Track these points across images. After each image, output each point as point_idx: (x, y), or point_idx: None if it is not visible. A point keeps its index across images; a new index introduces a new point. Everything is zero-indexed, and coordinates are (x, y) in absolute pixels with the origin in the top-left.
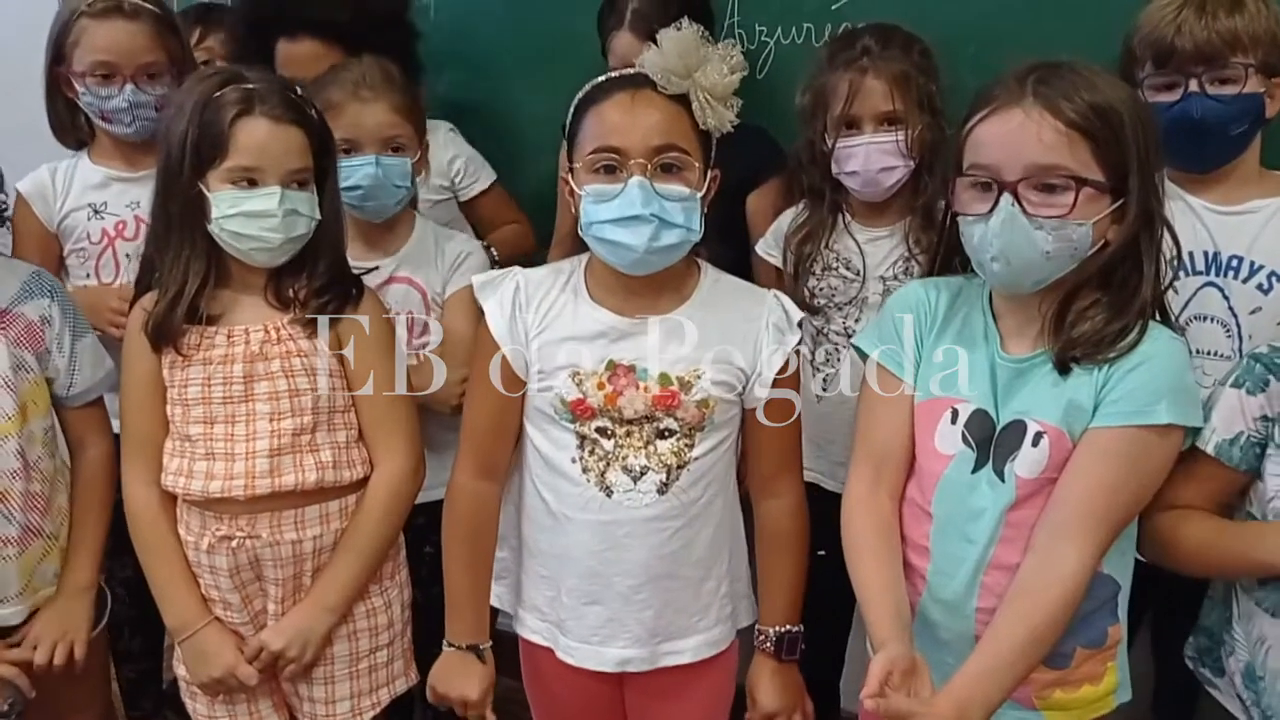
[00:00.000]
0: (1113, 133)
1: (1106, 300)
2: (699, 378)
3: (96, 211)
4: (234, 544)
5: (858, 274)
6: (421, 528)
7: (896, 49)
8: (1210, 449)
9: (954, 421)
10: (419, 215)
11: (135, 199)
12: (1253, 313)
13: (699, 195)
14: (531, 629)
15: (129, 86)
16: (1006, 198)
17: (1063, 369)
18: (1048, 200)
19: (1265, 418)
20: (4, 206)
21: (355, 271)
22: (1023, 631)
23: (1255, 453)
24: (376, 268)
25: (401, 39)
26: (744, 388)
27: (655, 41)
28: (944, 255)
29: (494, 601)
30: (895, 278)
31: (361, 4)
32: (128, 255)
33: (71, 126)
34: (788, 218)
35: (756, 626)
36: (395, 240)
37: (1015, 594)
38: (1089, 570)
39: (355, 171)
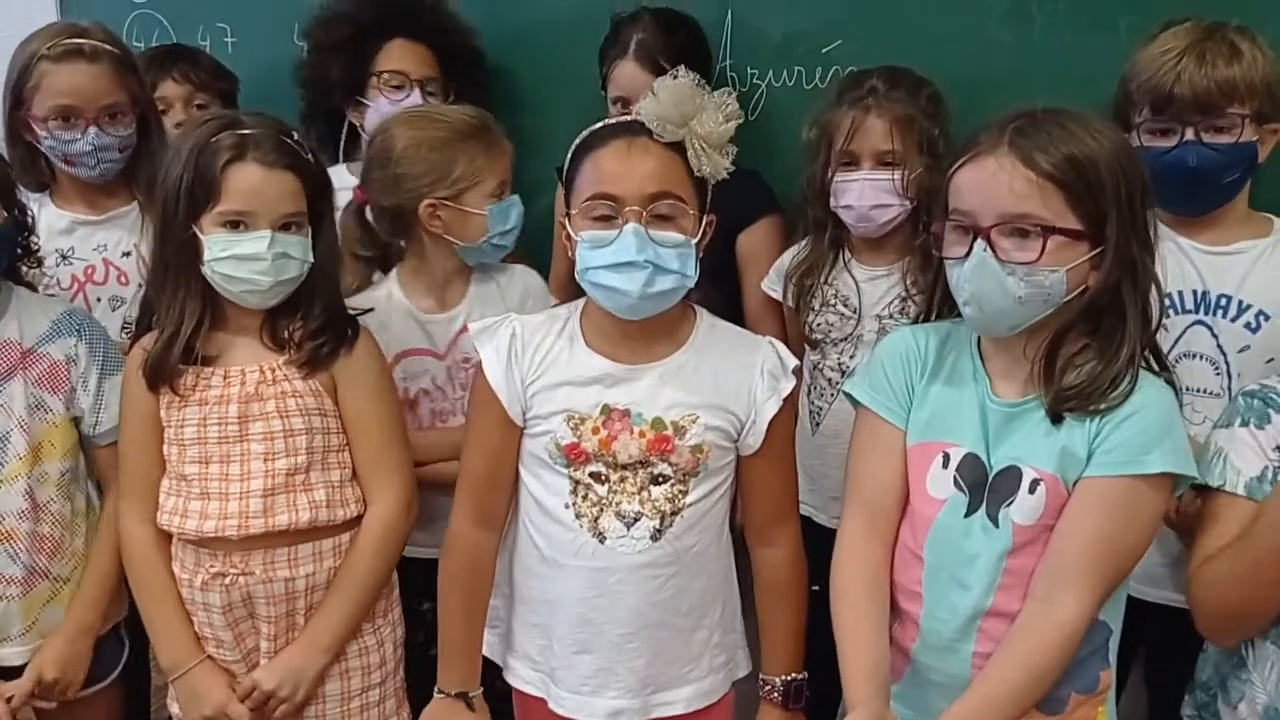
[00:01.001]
0: (1087, 183)
1: (1095, 346)
2: (693, 423)
3: (64, 257)
4: (227, 581)
5: (854, 311)
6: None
7: (903, 91)
8: (1241, 490)
9: (945, 465)
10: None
11: (102, 242)
12: (1241, 351)
13: (694, 241)
14: (524, 679)
15: (92, 129)
16: (980, 243)
17: (1056, 419)
18: (1020, 246)
19: (1279, 447)
20: (36, 247)
21: (351, 312)
22: (1017, 675)
23: None
24: (370, 310)
25: (480, 77)
26: (739, 434)
27: (658, 71)
28: (939, 299)
29: (483, 650)
30: (890, 316)
31: (465, 33)
32: (99, 299)
33: (33, 169)
34: (789, 255)
35: (761, 676)
36: (457, 286)
37: (1012, 638)
38: (1087, 619)
39: (512, 211)
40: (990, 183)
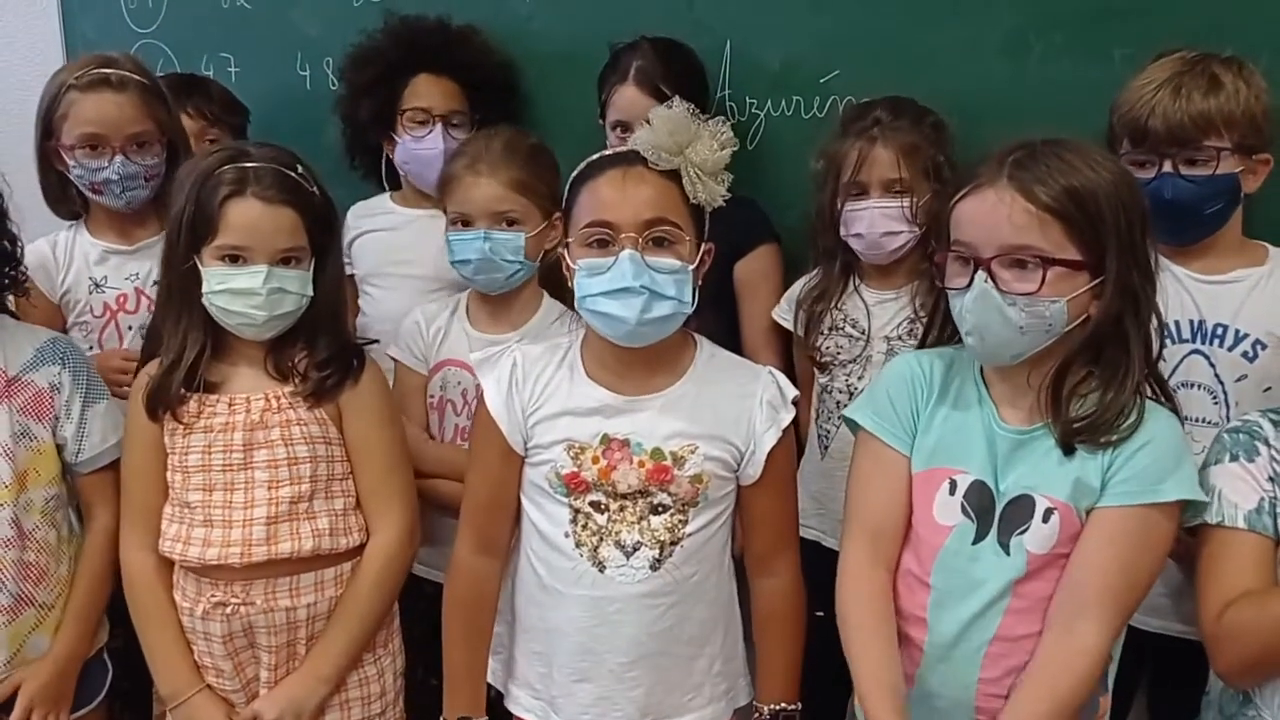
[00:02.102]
0: (1086, 215)
1: (1100, 376)
2: (692, 453)
3: (97, 285)
4: (228, 610)
5: (863, 333)
6: None
7: (907, 120)
8: (1242, 524)
9: (953, 492)
10: (547, 296)
11: (134, 271)
12: (1239, 380)
13: (691, 267)
14: (524, 706)
15: (118, 158)
16: (980, 274)
17: (1067, 450)
18: (1021, 277)
19: (1271, 478)
20: (24, 278)
21: (358, 342)
22: (1046, 708)
23: None
24: (376, 341)
25: (512, 110)
26: (738, 464)
27: (657, 95)
28: (940, 324)
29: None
30: (899, 338)
31: (495, 67)
32: (130, 327)
33: (64, 198)
34: (801, 284)
35: (754, 703)
36: (518, 315)
37: (1039, 671)
38: (1108, 647)
39: (465, 246)
40: (990, 215)
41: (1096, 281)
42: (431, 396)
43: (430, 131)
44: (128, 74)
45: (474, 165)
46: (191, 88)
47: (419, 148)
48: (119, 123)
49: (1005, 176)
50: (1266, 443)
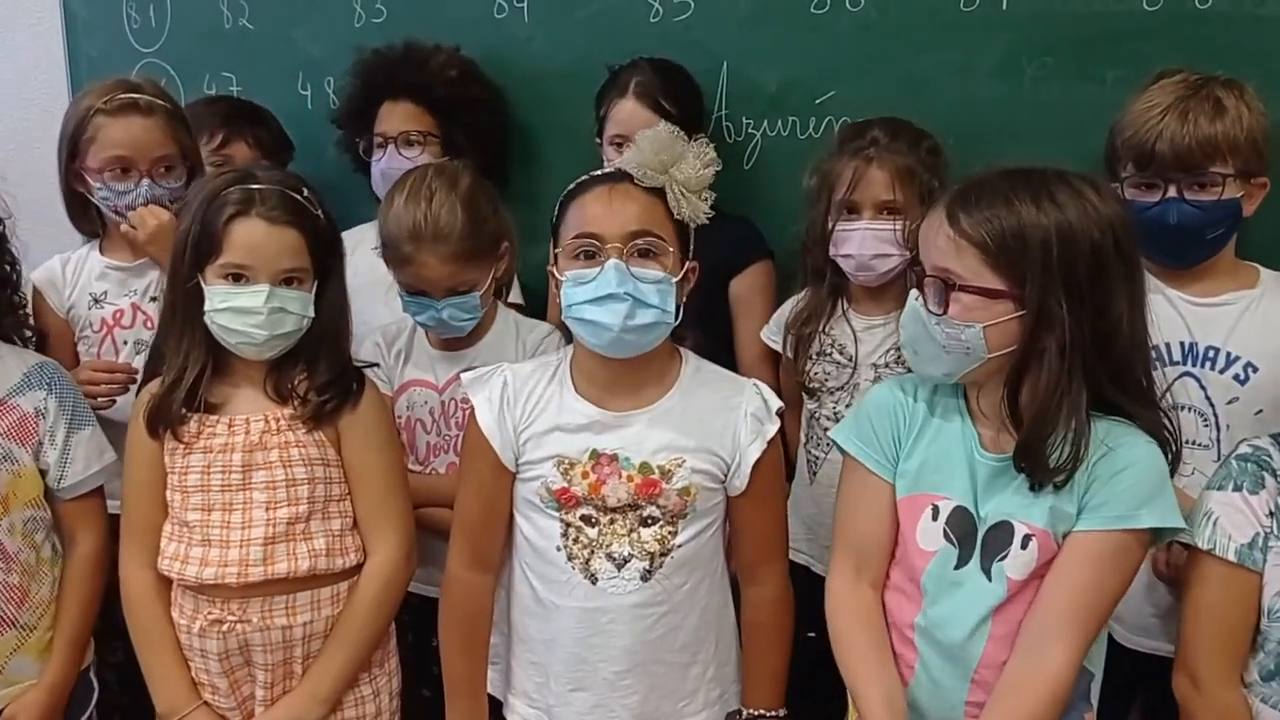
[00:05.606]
0: (1007, 250)
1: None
2: (680, 466)
3: (97, 301)
4: (224, 628)
5: (850, 360)
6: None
7: (904, 143)
8: (1232, 556)
9: (935, 518)
10: (502, 306)
11: (133, 288)
12: (1230, 403)
13: (674, 279)
14: (522, 715)
15: (145, 181)
16: (914, 291)
17: (1035, 486)
18: (937, 297)
19: (1271, 513)
20: (22, 302)
21: (357, 365)
22: None
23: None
24: (375, 365)
25: (488, 119)
26: (725, 476)
27: (657, 109)
28: None
29: (486, 687)
30: (887, 365)
31: (455, 82)
32: (125, 342)
33: (84, 218)
34: (789, 306)
35: (739, 708)
36: (477, 332)
37: (1005, 692)
38: (1075, 667)
39: (423, 312)
40: (925, 235)
41: (1019, 314)
42: (399, 417)
43: (384, 155)
44: (154, 99)
45: (418, 243)
46: (255, 118)
47: (375, 170)
48: (147, 146)
49: (943, 204)
50: (1275, 474)
